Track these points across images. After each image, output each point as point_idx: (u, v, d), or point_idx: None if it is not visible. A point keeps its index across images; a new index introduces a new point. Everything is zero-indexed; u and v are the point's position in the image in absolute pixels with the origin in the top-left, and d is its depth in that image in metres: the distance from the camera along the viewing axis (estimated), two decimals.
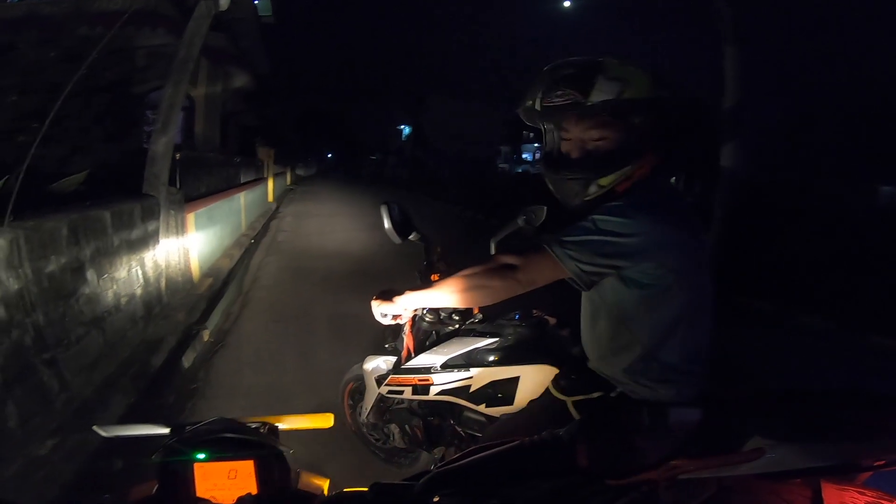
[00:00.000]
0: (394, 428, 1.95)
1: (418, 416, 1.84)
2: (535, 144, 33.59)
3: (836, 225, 5.72)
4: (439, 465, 0.61)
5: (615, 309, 1.17)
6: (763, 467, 0.91)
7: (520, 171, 28.61)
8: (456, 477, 0.58)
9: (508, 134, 35.82)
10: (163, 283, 4.07)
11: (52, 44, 3.79)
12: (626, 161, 1.12)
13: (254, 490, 0.70)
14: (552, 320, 1.65)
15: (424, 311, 1.74)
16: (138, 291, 3.55)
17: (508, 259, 1.16)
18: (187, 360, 3.40)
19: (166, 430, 0.82)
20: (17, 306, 2.14)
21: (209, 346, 3.74)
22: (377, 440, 2.12)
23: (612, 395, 1.20)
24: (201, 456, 0.70)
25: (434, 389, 1.65)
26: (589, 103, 1.07)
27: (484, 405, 1.56)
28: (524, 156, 37.93)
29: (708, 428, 1.11)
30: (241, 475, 0.70)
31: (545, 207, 1.65)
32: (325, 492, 0.82)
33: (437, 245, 1.85)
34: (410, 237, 1.73)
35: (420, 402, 1.78)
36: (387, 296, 1.40)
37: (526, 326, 1.61)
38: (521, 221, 1.71)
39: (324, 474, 0.89)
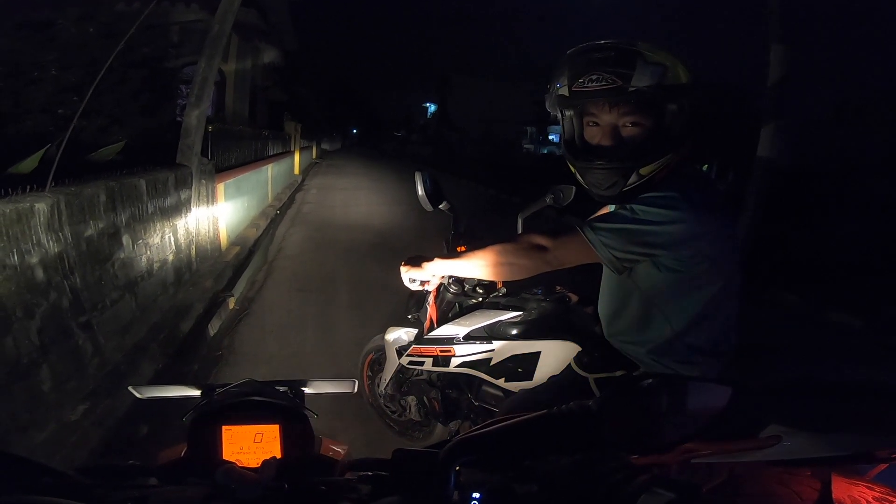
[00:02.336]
0: (411, 399, 1.98)
1: (437, 387, 1.87)
2: None
3: (874, 219, 5.50)
4: (462, 434, 0.61)
5: (648, 292, 1.18)
6: (776, 455, 0.91)
7: (545, 152, 28.15)
8: (479, 446, 0.59)
9: (534, 114, 35.15)
10: (193, 251, 4.20)
11: (90, 20, 3.88)
12: (667, 149, 1.08)
13: (278, 454, 0.70)
14: (574, 297, 1.66)
15: (449, 282, 1.76)
16: (170, 258, 3.68)
17: (539, 239, 1.17)
18: (213, 328, 3.51)
19: (197, 392, 0.83)
20: (56, 269, 2.22)
21: (234, 314, 3.85)
22: (393, 412, 2.15)
23: (635, 374, 1.23)
24: (229, 419, 0.71)
25: (455, 361, 1.67)
26: (631, 88, 1.03)
27: (503, 379, 1.57)
28: (550, 137, 37.27)
29: (725, 413, 1.12)
30: (266, 438, 0.70)
31: (573, 187, 1.63)
32: (345, 457, 0.82)
33: (464, 217, 1.86)
34: (440, 206, 1.74)
35: (439, 374, 1.81)
36: (415, 262, 1.43)
37: (549, 302, 1.62)
38: (549, 199, 1.70)
39: (343, 441, 0.90)
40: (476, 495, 0.53)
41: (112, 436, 2.17)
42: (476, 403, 1.70)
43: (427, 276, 1.44)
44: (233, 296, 4.13)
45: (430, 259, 1.40)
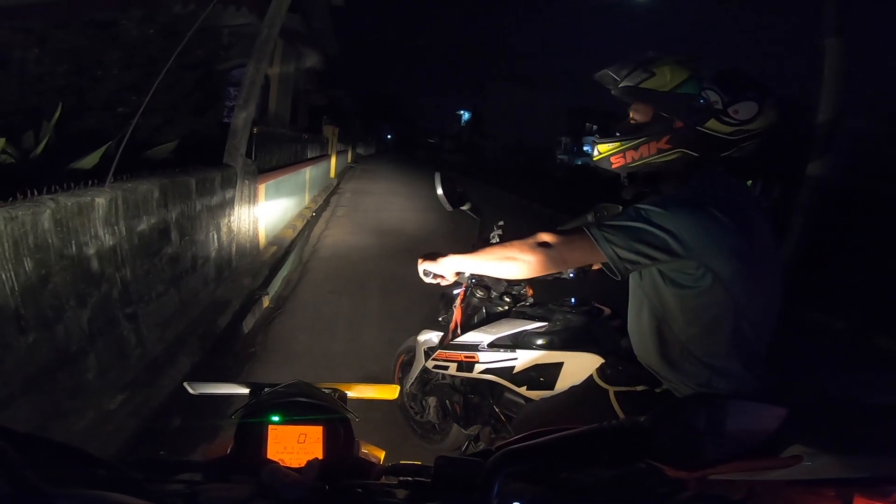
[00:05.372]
0: (432, 401, 2.00)
1: (459, 392, 1.88)
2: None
3: None
4: (505, 443, 0.61)
5: (656, 306, 1.19)
6: (798, 474, 0.89)
7: (579, 163, 27.79)
8: (527, 457, 0.58)
9: (570, 125, 34.79)
10: (233, 249, 4.34)
11: (151, 21, 4.08)
12: (641, 137, 1.22)
13: (320, 455, 0.70)
14: (607, 311, 1.65)
15: (475, 288, 1.76)
16: (212, 254, 3.80)
17: (546, 237, 1.19)
18: (247, 325, 3.59)
19: (246, 391, 0.86)
20: (110, 261, 2.33)
21: (268, 312, 3.95)
22: (415, 413, 2.17)
23: (658, 390, 1.21)
24: (275, 418, 0.72)
25: (478, 368, 1.68)
26: (621, 85, 1.23)
27: (525, 388, 1.59)
28: (585, 148, 36.86)
29: (777, 434, 1.09)
30: (309, 439, 0.72)
31: (619, 206, 1.63)
32: (382, 462, 0.83)
33: (495, 221, 1.84)
34: (463, 207, 1.73)
35: (463, 378, 1.82)
36: (431, 256, 1.46)
37: (576, 313, 1.61)
38: (590, 217, 1.69)
39: (379, 446, 0.91)
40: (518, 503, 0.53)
41: (146, 426, 2.23)
42: (497, 410, 1.71)
43: (440, 270, 1.46)
44: (268, 294, 4.23)
45: (445, 255, 1.44)
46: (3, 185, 1.69)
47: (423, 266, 1.49)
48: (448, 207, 1.70)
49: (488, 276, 1.78)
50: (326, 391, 0.84)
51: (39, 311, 1.84)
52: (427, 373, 1.98)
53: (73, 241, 2.04)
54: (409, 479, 0.68)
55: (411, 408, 2.18)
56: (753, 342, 1.15)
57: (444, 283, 1.56)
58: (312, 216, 8.41)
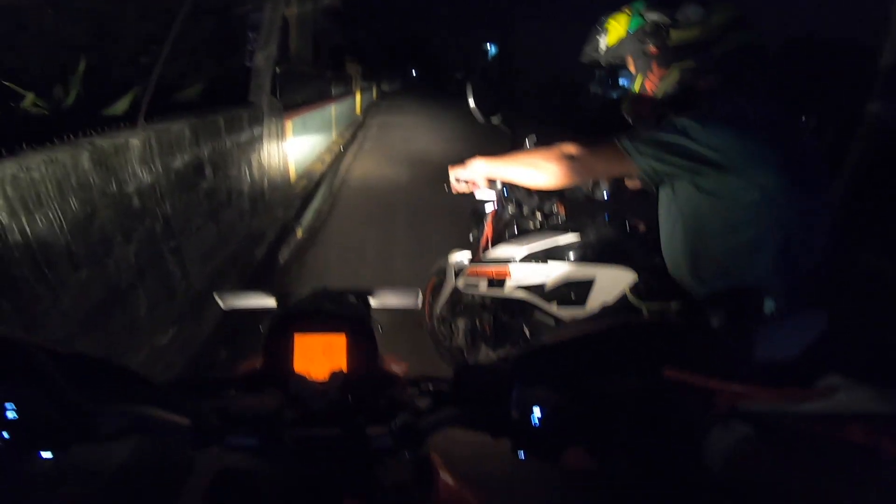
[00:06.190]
0: (461, 323, 1.98)
1: (489, 311, 1.86)
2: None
3: None
4: (524, 348, 0.59)
5: (691, 222, 1.17)
6: (830, 407, 0.90)
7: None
8: (546, 356, 0.56)
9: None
10: (265, 183, 4.43)
11: None
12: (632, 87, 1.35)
13: (344, 365, 0.70)
14: (642, 226, 1.60)
15: (507, 203, 1.75)
16: (245, 188, 3.90)
17: (572, 147, 1.21)
18: (282, 256, 3.74)
19: (274, 302, 0.85)
20: (150, 197, 2.41)
21: (301, 243, 4.09)
22: (444, 337, 2.15)
23: (693, 306, 1.21)
24: (301, 329, 0.71)
25: (509, 284, 1.65)
26: (601, 56, 1.43)
27: (556, 304, 1.56)
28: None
29: (784, 357, 1.09)
30: (334, 349, 0.71)
31: None
32: (405, 375, 0.83)
33: (526, 135, 1.80)
34: (494, 120, 1.69)
35: (493, 297, 1.79)
36: (461, 163, 1.51)
37: (609, 227, 1.57)
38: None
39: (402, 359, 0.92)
40: (537, 411, 0.52)
41: (194, 360, 2.30)
42: (526, 330, 1.69)
43: (469, 174, 1.49)
44: (300, 225, 4.35)
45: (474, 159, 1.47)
46: (39, 133, 1.74)
47: (453, 172, 1.54)
48: (480, 119, 1.68)
49: (520, 193, 1.76)
50: (351, 298, 0.84)
51: (89, 247, 1.93)
52: (457, 293, 1.96)
53: (114, 180, 2.12)
54: (431, 389, 0.69)
55: (440, 332, 2.17)
56: (799, 262, 1.12)
57: (475, 190, 1.57)
58: (340, 150, 8.39)
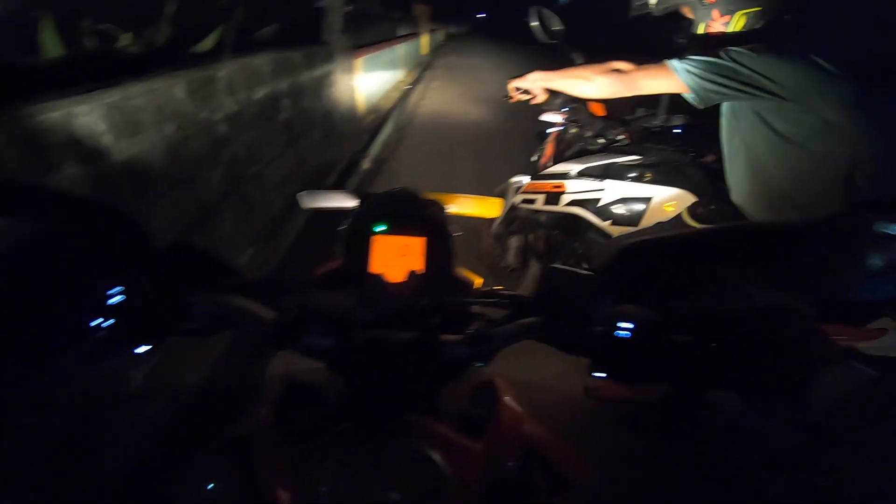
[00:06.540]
0: (514, 241, 1.98)
1: (543, 228, 1.86)
2: None
3: None
4: (616, 255, 0.54)
5: (754, 151, 1.17)
6: (878, 348, 0.85)
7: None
8: (650, 250, 0.51)
9: None
10: (336, 116, 4.65)
11: None
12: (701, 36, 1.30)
13: (420, 267, 0.67)
14: (710, 157, 1.55)
15: (570, 124, 1.76)
16: (318, 121, 4.12)
17: (622, 63, 1.27)
18: (351, 184, 3.96)
19: (356, 202, 0.83)
20: (234, 124, 2.64)
21: (369, 172, 4.29)
22: (496, 256, 2.13)
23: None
24: (379, 229, 0.68)
25: (565, 199, 1.64)
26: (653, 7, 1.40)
27: (609, 222, 1.54)
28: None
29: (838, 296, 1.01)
30: (411, 251, 0.68)
31: None
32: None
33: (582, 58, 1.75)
34: (554, 41, 1.70)
35: (547, 213, 1.78)
36: (520, 75, 1.57)
37: (672, 151, 1.54)
38: None
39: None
40: (627, 326, 0.46)
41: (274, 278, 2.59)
42: (579, 249, 1.69)
43: (527, 84, 1.54)
44: (368, 156, 4.55)
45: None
46: (137, 68, 1.96)
47: (512, 83, 1.60)
48: (542, 38, 1.70)
49: (583, 116, 1.75)
50: (431, 202, 0.81)
51: (182, 168, 2.14)
52: (514, 210, 1.92)
53: (203, 108, 2.36)
54: (507, 300, 0.64)
55: (494, 250, 2.15)
56: (869, 196, 1.08)
57: (532, 99, 1.61)
58: (408, 88, 8.42)
